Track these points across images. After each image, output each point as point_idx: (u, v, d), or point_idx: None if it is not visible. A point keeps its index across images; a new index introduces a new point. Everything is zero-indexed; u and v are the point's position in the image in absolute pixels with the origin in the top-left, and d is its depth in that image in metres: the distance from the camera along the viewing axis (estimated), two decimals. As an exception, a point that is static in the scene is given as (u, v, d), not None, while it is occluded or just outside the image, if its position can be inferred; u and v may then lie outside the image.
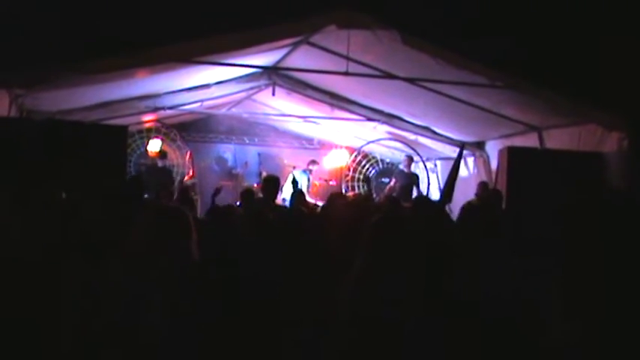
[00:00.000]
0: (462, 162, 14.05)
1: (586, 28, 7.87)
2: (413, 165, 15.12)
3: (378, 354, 3.56)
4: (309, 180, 14.19)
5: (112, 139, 8.63)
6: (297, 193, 8.94)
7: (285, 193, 13.67)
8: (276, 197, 9.02)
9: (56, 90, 8.74)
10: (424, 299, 3.69)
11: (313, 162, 15.13)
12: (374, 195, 15.91)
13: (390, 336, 3.54)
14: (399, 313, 3.59)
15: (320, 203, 12.92)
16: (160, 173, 13.65)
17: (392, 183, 14.63)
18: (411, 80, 10.08)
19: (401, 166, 14.85)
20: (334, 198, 6.94)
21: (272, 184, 8.67)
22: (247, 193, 9.30)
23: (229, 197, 15.56)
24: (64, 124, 8.98)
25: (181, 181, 16.01)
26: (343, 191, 16.17)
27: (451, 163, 14.58)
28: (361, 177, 17.58)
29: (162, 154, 14.38)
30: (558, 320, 3.38)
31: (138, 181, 9.39)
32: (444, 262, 4.34)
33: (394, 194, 14.06)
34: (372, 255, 3.82)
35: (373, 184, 17.14)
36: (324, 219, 5.94)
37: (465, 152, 13.66)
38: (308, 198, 13.44)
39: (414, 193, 14.38)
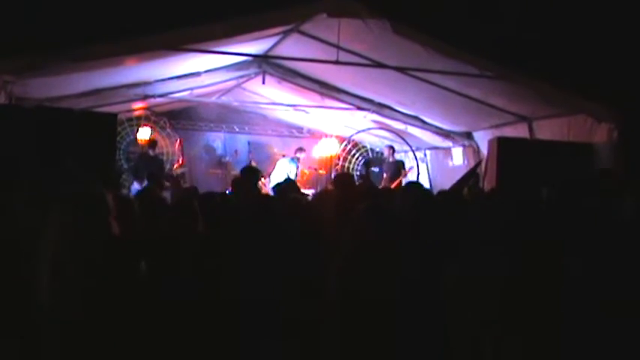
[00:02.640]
0: (451, 152, 14.08)
1: (576, 19, 7.85)
2: (403, 154, 15.11)
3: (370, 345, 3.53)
4: (297, 168, 14.12)
5: (102, 127, 8.58)
6: (290, 182, 8.86)
7: (275, 181, 13.60)
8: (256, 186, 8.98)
9: (45, 77, 8.66)
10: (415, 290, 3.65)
11: (300, 150, 15.08)
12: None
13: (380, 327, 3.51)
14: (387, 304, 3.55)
15: (309, 192, 12.89)
16: (151, 163, 13.57)
17: (384, 177, 14.63)
18: (401, 69, 10.05)
19: (384, 154, 14.86)
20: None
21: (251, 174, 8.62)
22: (238, 182, 9.24)
23: (219, 186, 15.53)
24: (53, 111, 8.91)
25: (171, 169, 15.97)
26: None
27: (441, 152, 14.66)
28: (351, 166, 17.56)
29: (152, 143, 14.32)
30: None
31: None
32: (439, 249, 4.28)
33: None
34: (357, 245, 3.77)
35: (364, 170, 17.07)
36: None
37: (454, 143, 13.67)
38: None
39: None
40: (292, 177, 13.48)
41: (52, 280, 3.63)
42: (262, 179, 15.14)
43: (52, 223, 3.82)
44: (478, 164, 11.78)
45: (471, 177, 10.83)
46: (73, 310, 3.60)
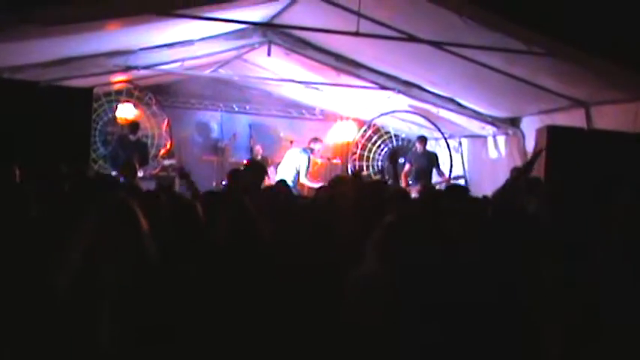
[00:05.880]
0: (493, 141, 13.99)
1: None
2: (434, 143, 15.03)
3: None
4: (309, 160, 14.00)
5: (74, 103, 8.62)
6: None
7: (282, 173, 13.56)
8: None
9: (5, 43, 8.62)
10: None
11: (316, 140, 14.87)
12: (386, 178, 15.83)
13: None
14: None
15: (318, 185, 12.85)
16: (132, 148, 13.50)
17: (406, 169, 14.53)
18: (433, 43, 9.96)
19: (416, 149, 14.74)
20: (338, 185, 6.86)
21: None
22: (235, 174, 9.22)
23: (213, 175, 15.50)
24: (14, 84, 8.90)
25: (157, 155, 15.93)
26: (349, 172, 16.07)
27: (479, 141, 14.59)
28: (372, 155, 17.47)
29: (133, 126, 14.17)
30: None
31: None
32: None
33: (410, 180, 14.00)
34: (384, 262, 3.82)
35: (387, 165, 17.00)
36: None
37: (495, 130, 13.57)
38: (307, 181, 13.34)
39: (435, 176, 14.31)
40: (303, 170, 13.36)
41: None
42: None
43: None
44: (537, 154, 11.64)
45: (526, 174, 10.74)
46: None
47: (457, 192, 7.44)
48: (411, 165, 14.44)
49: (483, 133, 14.33)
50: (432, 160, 14.42)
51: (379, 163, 17.51)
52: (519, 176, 7.94)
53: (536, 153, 9.89)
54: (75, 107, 8.63)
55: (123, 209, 3.86)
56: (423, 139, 14.45)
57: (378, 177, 16.03)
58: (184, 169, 8.53)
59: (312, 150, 14.04)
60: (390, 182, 13.42)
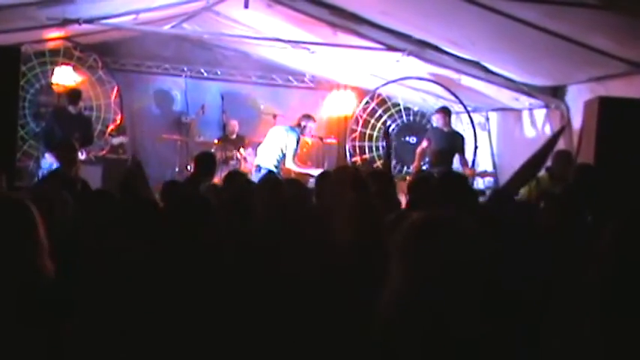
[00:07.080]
0: (529, 116, 13.95)
1: None
2: (454, 118, 14.93)
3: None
4: (298, 141, 13.96)
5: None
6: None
7: (263, 155, 13.50)
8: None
9: None
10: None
11: (308, 117, 14.83)
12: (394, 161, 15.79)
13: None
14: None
15: (312, 171, 12.74)
16: (71, 123, 13.40)
17: (424, 145, 14.44)
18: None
19: (435, 123, 14.64)
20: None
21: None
22: (206, 159, 9.20)
23: (176, 158, 15.44)
24: None
25: (104, 132, 15.85)
26: (348, 156, 16.02)
27: (511, 116, 14.56)
28: (375, 134, 17.39)
29: (72, 95, 14.11)
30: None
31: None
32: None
33: (425, 163, 13.92)
34: (411, 269, 3.77)
35: (393, 143, 16.94)
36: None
37: (532, 103, 13.51)
38: (294, 166, 13.30)
39: (455, 161, 14.23)
40: (290, 153, 13.32)
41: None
42: (242, 150, 15.04)
43: None
44: (559, 134, 11.59)
45: (542, 159, 10.67)
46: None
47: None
48: (430, 142, 14.31)
49: (517, 105, 14.40)
50: (456, 143, 14.32)
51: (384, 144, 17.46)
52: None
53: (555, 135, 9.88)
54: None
55: None
56: (444, 112, 14.32)
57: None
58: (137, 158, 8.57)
59: (302, 128, 14.00)
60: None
